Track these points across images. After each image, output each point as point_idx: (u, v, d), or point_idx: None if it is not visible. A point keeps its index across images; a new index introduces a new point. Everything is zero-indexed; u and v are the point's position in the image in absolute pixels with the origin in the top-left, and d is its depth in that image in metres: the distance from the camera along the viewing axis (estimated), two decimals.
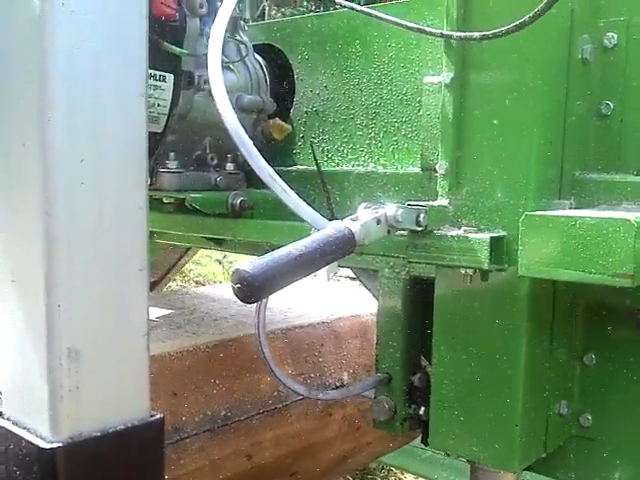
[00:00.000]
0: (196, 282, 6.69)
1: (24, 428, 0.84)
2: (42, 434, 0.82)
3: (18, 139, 0.80)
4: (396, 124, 1.52)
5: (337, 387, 1.86)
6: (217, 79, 1.04)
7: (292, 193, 1.08)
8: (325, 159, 1.64)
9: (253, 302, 0.88)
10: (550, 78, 1.12)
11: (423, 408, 1.46)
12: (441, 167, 1.18)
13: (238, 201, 1.48)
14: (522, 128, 1.11)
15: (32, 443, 0.81)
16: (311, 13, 1.65)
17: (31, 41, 0.77)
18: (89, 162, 0.80)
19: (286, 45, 1.70)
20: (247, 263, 0.89)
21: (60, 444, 0.81)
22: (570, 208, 1.15)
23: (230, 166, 1.59)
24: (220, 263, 7.41)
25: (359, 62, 1.57)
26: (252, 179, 1.69)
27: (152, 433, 0.89)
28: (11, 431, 0.85)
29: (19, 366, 0.84)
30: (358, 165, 1.58)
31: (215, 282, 6.67)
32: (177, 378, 1.51)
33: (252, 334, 1.75)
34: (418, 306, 1.45)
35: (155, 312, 1.94)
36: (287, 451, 1.77)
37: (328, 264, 0.99)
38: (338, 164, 1.61)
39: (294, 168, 1.66)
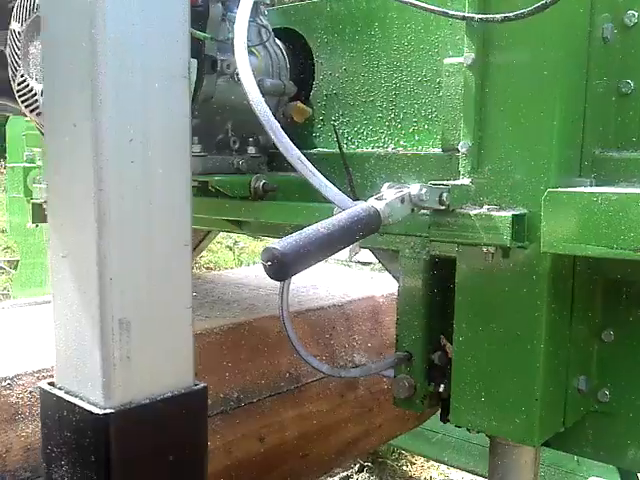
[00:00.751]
0: (207, 268, 6.73)
1: (77, 396, 0.88)
2: (95, 401, 0.85)
3: (69, 120, 0.83)
4: (416, 105, 1.53)
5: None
6: (244, 64, 1.07)
7: (320, 175, 1.10)
8: (345, 141, 1.65)
9: (283, 279, 0.91)
10: (571, 57, 1.14)
11: (443, 386, 1.48)
12: (463, 147, 1.19)
13: (261, 184, 1.50)
14: (543, 107, 1.12)
15: (86, 410, 0.85)
16: None
17: (82, 27, 0.80)
18: (138, 142, 0.83)
19: (305, 29, 1.72)
20: (277, 241, 0.91)
21: (112, 410, 0.85)
22: (590, 186, 1.17)
23: (252, 149, 1.62)
24: (231, 249, 7.44)
25: (378, 44, 1.58)
26: (273, 162, 1.71)
27: (196, 401, 0.93)
28: (65, 399, 0.89)
29: (72, 338, 0.87)
30: (378, 147, 1.60)
31: (226, 268, 6.71)
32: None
33: (264, 317, 1.77)
34: (438, 285, 1.47)
35: None
36: (299, 433, 1.78)
37: (354, 242, 1.01)
38: (358, 146, 1.63)
39: (315, 150, 1.68)
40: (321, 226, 0.96)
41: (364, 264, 7.74)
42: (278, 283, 2.16)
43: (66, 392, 0.90)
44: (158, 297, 0.89)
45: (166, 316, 0.90)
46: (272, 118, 1.06)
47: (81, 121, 0.81)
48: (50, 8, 0.85)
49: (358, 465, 3.27)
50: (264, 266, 0.91)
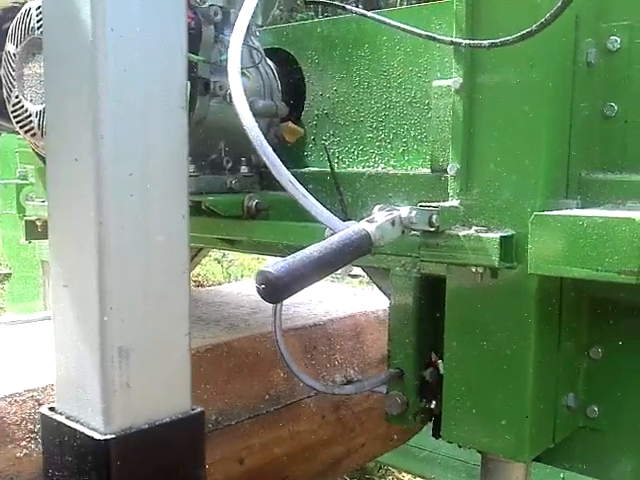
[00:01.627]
0: (195, 282, 6.71)
1: (77, 422, 0.90)
2: (95, 427, 0.87)
3: (70, 155, 0.85)
4: (405, 126, 1.56)
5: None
6: (237, 87, 1.09)
7: (310, 197, 1.12)
8: (336, 160, 1.67)
9: (277, 302, 0.93)
10: (556, 81, 1.16)
11: (434, 402, 1.50)
12: (452, 169, 1.22)
13: (254, 203, 1.52)
14: (530, 130, 1.15)
15: (87, 435, 0.87)
16: (320, 18, 1.68)
17: (84, 64, 0.83)
18: (137, 175, 0.86)
19: (296, 49, 1.74)
20: (271, 265, 0.93)
21: (113, 436, 0.87)
22: (577, 207, 1.20)
23: (244, 169, 1.64)
24: (219, 262, 7.43)
25: (368, 66, 1.61)
26: (265, 181, 1.73)
27: (194, 425, 0.96)
28: (65, 424, 0.91)
29: (72, 364, 0.89)
30: (368, 166, 1.62)
31: (214, 282, 6.68)
32: None
33: (243, 337, 1.74)
34: (429, 303, 1.49)
35: None
36: (279, 454, 1.76)
37: (347, 264, 1.04)
38: (349, 165, 1.65)
39: (306, 170, 1.70)
40: (314, 249, 0.98)
41: (353, 277, 7.78)
42: (259, 301, 2.16)
43: (67, 417, 0.92)
44: (157, 325, 0.91)
45: (164, 343, 0.92)
46: (265, 142, 1.09)
47: (82, 156, 0.84)
48: (52, 47, 0.88)
49: None
50: (258, 289, 0.93)
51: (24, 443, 1.20)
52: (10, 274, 7.40)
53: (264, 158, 1.09)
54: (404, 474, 3.31)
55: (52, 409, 0.97)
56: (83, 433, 0.87)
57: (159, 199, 0.89)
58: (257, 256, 8.63)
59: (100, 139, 0.82)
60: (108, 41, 0.80)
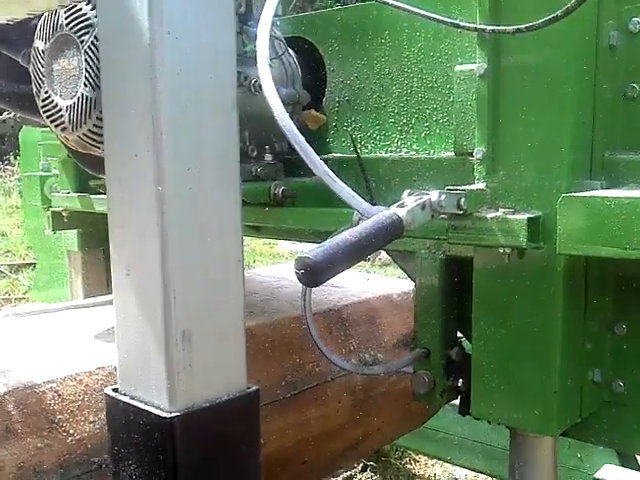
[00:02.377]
0: None
1: (142, 401, 0.95)
2: (161, 406, 0.93)
3: (130, 151, 0.90)
4: (427, 111, 1.58)
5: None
6: (267, 79, 1.11)
7: (341, 183, 1.15)
8: (358, 146, 1.70)
9: (315, 286, 0.97)
10: (579, 64, 1.19)
11: (461, 380, 1.54)
12: (478, 153, 1.24)
13: (280, 190, 1.55)
14: (554, 113, 1.17)
15: (153, 413, 0.92)
16: (339, 5, 1.71)
17: (142, 66, 0.87)
18: (194, 169, 0.90)
19: (317, 37, 1.76)
20: (309, 250, 0.97)
21: (178, 414, 0.92)
22: (601, 188, 1.22)
23: (269, 157, 1.67)
24: None
25: (389, 52, 1.63)
26: (289, 169, 1.76)
27: (250, 403, 1.02)
28: (131, 404, 0.96)
29: (136, 348, 0.95)
30: (391, 152, 1.65)
31: None
32: None
33: (258, 324, 1.76)
34: (454, 284, 1.53)
35: None
36: (297, 440, 1.78)
37: (379, 249, 1.07)
38: (371, 151, 1.68)
39: (329, 156, 1.73)
40: (349, 234, 1.01)
41: (364, 259, 7.80)
42: (273, 289, 2.18)
43: (131, 398, 0.97)
44: (215, 309, 0.96)
45: (222, 326, 0.98)
46: (296, 130, 1.12)
47: (143, 152, 0.88)
48: (109, 49, 0.91)
49: (362, 464, 3.28)
50: (297, 274, 0.96)
51: (45, 433, 1.28)
52: (26, 264, 7.47)
53: (296, 146, 1.12)
54: (420, 456, 3.36)
55: (115, 390, 1.02)
56: (149, 412, 0.93)
57: (214, 192, 0.94)
58: (269, 241, 8.67)
59: (160, 136, 0.86)
60: (165, 44, 0.85)
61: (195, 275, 0.93)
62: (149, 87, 0.86)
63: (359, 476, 3.24)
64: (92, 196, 2.18)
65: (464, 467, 3.03)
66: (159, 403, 0.92)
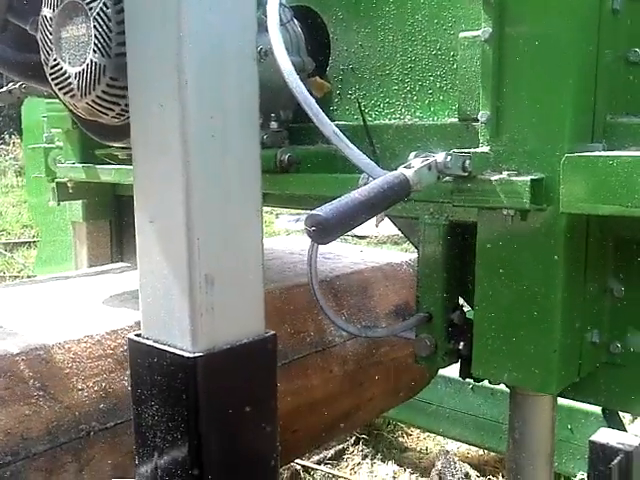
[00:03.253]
0: None
1: (166, 344, 0.99)
2: (184, 347, 0.96)
3: (155, 101, 0.93)
4: (431, 78, 1.60)
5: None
6: (279, 45, 1.13)
7: (353, 147, 1.18)
8: (360, 114, 1.72)
9: (326, 243, 0.99)
10: (583, 29, 1.21)
11: (462, 343, 1.57)
12: (482, 116, 1.27)
13: (286, 157, 1.57)
14: (557, 77, 1.20)
15: (176, 354, 0.96)
16: None
17: (168, 18, 0.89)
18: (217, 118, 0.93)
19: (320, 5, 1.77)
20: (319, 208, 0.99)
21: (200, 354, 0.96)
22: (603, 150, 1.24)
23: (274, 125, 1.69)
24: None
25: (393, 20, 1.64)
26: (293, 137, 1.78)
27: (268, 346, 1.06)
28: (155, 347, 1.00)
29: (159, 293, 0.98)
30: (394, 119, 1.66)
31: None
32: None
33: None
34: (457, 249, 1.56)
35: None
36: (288, 408, 1.78)
37: (387, 208, 1.09)
38: (375, 118, 1.70)
39: (333, 123, 1.74)
40: (358, 193, 1.04)
41: (360, 237, 7.86)
42: (266, 260, 2.19)
43: (154, 341, 1.01)
44: (235, 255, 1.00)
45: (242, 272, 1.01)
46: (309, 96, 1.14)
47: (167, 101, 0.91)
48: (136, 4, 0.93)
49: (354, 437, 3.30)
50: (308, 231, 0.99)
51: (33, 401, 1.29)
52: (22, 243, 7.50)
53: (308, 110, 1.15)
54: (412, 429, 3.40)
55: (138, 335, 1.06)
56: (173, 353, 0.96)
57: (236, 140, 0.97)
58: (266, 219, 8.70)
59: (185, 84, 0.89)
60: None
61: (217, 222, 0.96)
62: (174, 38, 0.88)
63: (351, 449, 3.27)
64: (97, 166, 2.19)
65: (456, 440, 3.08)
66: (182, 345, 0.96)
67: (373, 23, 1.68)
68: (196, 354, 0.95)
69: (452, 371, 2.89)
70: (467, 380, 2.86)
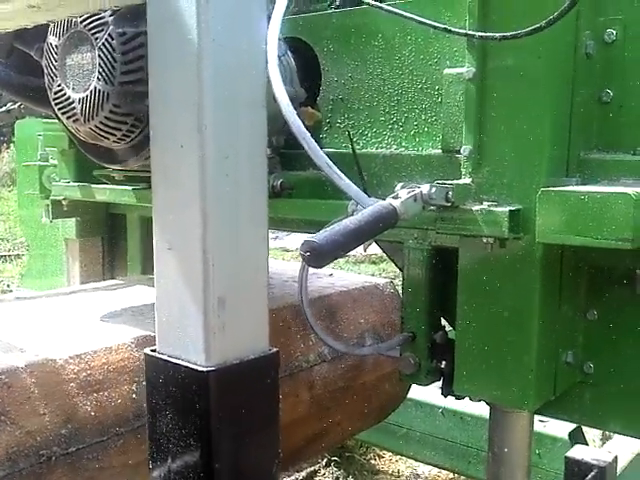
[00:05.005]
0: None
1: (180, 359, 1.09)
2: (198, 362, 1.06)
3: (176, 142, 1.02)
4: (417, 110, 1.68)
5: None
6: (276, 77, 1.21)
7: (343, 176, 1.26)
8: (350, 143, 1.80)
9: (320, 267, 1.07)
10: (559, 71, 1.30)
11: (444, 362, 1.65)
12: (465, 150, 1.36)
13: (279, 182, 1.65)
14: (535, 115, 1.29)
15: (191, 368, 1.06)
16: (335, 8, 1.80)
17: (190, 69, 0.99)
18: (231, 159, 1.04)
19: (312, 38, 1.86)
20: (314, 235, 1.07)
21: (213, 368, 1.06)
22: (576, 184, 1.34)
23: (267, 151, 1.76)
24: None
25: (381, 54, 1.73)
26: (285, 163, 1.86)
27: (272, 362, 1.16)
28: (170, 361, 1.10)
29: (175, 313, 1.08)
30: (381, 148, 1.75)
31: None
32: (141, 365, 1.49)
33: None
34: (439, 272, 1.64)
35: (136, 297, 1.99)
36: None
37: (376, 235, 1.17)
38: (363, 147, 1.78)
39: (323, 151, 1.82)
40: (349, 222, 1.12)
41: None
42: None
43: (169, 356, 1.11)
44: (244, 279, 1.10)
45: (249, 294, 1.12)
46: (302, 126, 1.22)
47: (187, 142, 1.01)
48: (158, 52, 1.03)
49: (325, 460, 3.30)
50: (303, 256, 1.07)
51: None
52: (4, 256, 7.44)
53: (301, 140, 1.22)
54: (384, 452, 3.40)
55: (153, 350, 1.15)
56: (187, 367, 1.06)
57: (247, 179, 1.08)
58: None
59: (204, 129, 0.99)
60: (210, 50, 0.97)
61: (229, 250, 1.07)
62: (195, 85, 0.99)
63: (323, 471, 3.27)
64: (93, 185, 2.26)
65: (427, 463, 3.09)
66: (196, 359, 1.06)
67: (362, 56, 1.77)
68: (209, 368, 1.05)
69: (423, 395, 2.96)
70: (437, 404, 2.93)
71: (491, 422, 1.52)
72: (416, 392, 2.93)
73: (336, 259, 1.09)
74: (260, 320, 1.13)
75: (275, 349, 1.16)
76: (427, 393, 3.05)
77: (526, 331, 1.35)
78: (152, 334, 1.54)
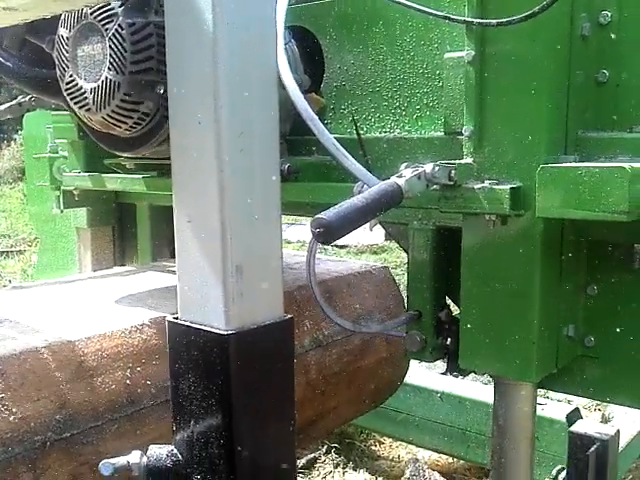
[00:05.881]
0: None
1: (202, 324, 1.16)
2: (218, 326, 1.14)
3: (194, 119, 1.09)
4: (418, 94, 1.73)
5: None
6: (284, 65, 1.26)
7: (351, 158, 1.31)
8: (354, 128, 1.85)
9: (329, 243, 1.12)
10: (555, 53, 1.34)
11: (449, 339, 1.71)
12: (466, 131, 1.40)
13: (286, 167, 1.70)
14: (533, 95, 1.33)
15: (212, 332, 1.13)
16: None
17: (206, 53, 1.05)
18: (245, 135, 1.10)
19: (315, 26, 1.90)
20: (323, 212, 1.12)
21: (233, 331, 1.13)
22: (575, 162, 1.38)
23: None
24: None
25: (383, 41, 1.78)
26: (291, 148, 1.91)
27: (286, 328, 1.23)
28: (192, 327, 1.17)
29: (197, 282, 1.15)
30: (384, 132, 1.80)
31: None
32: (135, 351, 1.57)
33: None
34: (443, 252, 1.69)
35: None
36: None
37: (382, 213, 1.22)
38: (366, 132, 1.83)
39: None
40: (357, 199, 1.16)
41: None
42: None
43: (191, 322, 1.18)
44: (260, 249, 1.16)
45: (265, 263, 1.18)
46: (312, 112, 1.27)
47: (205, 119, 1.08)
48: (174, 36, 1.09)
49: (325, 447, 3.30)
50: (313, 232, 1.12)
51: None
52: (5, 252, 7.46)
53: (311, 124, 1.27)
54: (385, 438, 3.41)
55: (176, 318, 1.21)
56: (208, 332, 1.14)
57: (259, 154, 1.13)
58: None
59: (220, 106, 1.06)
60: (225, 32, 1.03)
61: (245, 221, 1.13)
62: (211, 68, 1.05)
63: (323, 458, 3.27)
64: (103, 175, 2.31)
65: (425, 448, 3.12)
66: (217, 324, 1.13)
67: (364, 43, 1.81)
68: (229, 332, 1.13)
69: (421, 380, 2.99)
70: (436, 389, 2.95)
71: (495, 396, 1.57)
72: (414, 377, 2.96)
73: (344, 236, 1.14)
74: (275, 288, 1.19)
75: (290, 316, 1.23)
76: (425, 378, 3.10)
77: (528, 305, 1.40)
78: (147, 321, 1.62)
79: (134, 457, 1.21)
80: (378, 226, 1.76)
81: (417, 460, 3.01)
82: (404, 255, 1.78)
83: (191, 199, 1.12)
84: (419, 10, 1.42)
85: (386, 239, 8.04)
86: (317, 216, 1.11)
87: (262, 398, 1.18)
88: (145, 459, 1.18)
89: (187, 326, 1.17)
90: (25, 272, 6.74)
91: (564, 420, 2.72)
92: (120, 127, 1.60)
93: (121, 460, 1.18)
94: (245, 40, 1.07)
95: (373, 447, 3.41)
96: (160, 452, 1.20)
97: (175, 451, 1.21)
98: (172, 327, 1.20)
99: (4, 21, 1.15)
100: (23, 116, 2.91)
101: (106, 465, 1.17)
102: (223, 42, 1.03)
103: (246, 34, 1.07)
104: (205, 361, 1.13)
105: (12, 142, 14.78)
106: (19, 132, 14.77)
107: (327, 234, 1.10)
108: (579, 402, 3.30)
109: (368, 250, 7.99)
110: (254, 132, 1.11)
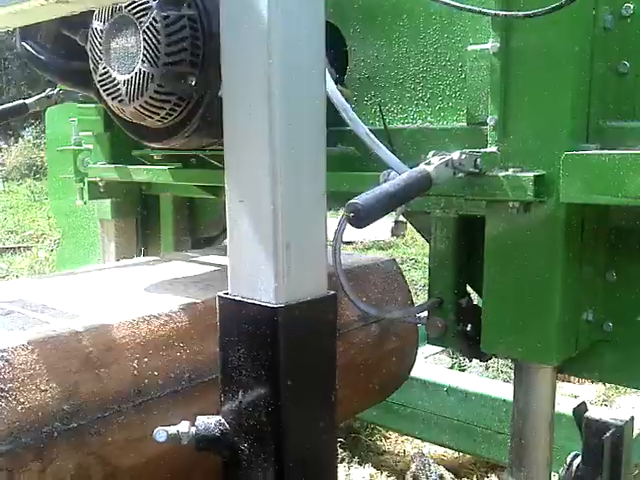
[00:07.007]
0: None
1: (252, 299, 1.22)
2: (268, 300, 1.20)
3: (247, 107, 1.16)
4: (441, 86, 1.77)
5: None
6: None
7: (383, 146, 1.35)
8: (377, 118, 1.89)
9: (363, 227, 1.16)
10: (579, 45, 1.38)
11: (470, 325, 1.75)
12: (491, 120, 1.44)
13: None
14: (557, 85, 1.37)
15: (262, 306, 1.20)
16: None
17: (261, 39, 1.11)
18: (294, 125, 1.17)
19: (339, 20, 1.94)
20: (357, 197, 1.17)
21: (282, 305, 1.19)
22: (596, 150, 1.42)
23: None
24: None
25: (406, 33, 1.82)
26: None
27: (330, 303, 1.29)
28: (243, 301, 1.23)
29: (248, 258, 1.22)
30: (407, 123, 1.84)
31: None
32: (143, 342, 1.56)
33: (211, 298, 1.59)
34: (464, 240, 1.74)
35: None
36: None
37: (412, 199, 1.27)
38: (390, 123, 1.87)
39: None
40: (389, 186, 1.21)
41: (347, 243, 8.06)
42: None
43: (242, 297, 1.24)
44: (307, 229, 1.23)
45: (311, 242, 1.24)
46: (346, 103, 1.31)
47: (257, 107, 1.14)
48: (230, 27, 1.16)
49: None
50: (347, 217, 1.16)
51: None
52: (5, 249, 7.49)
53: (344, 114, 1.32)
54: (390, 433, 3.40)
55: (226, 294, 1.27)
56: (259, 305, 1.20)
57: (307, 142, 1.21)
58: None
59: (273, 94, 1.12)
60: (279, 25, 1.10)
61: (294, 202, 1.19)
62: (265, 56, 1.11)
63: None
64: (129, 166, 2.36)
65: (431, 442, 3.11)
66: (267, 299, 1.20)
67: (388, 36, 1.86)
68: (278, 305, 1.19)
69: (427, 374, 3.00)
70: (442, 383, 2.96)
71: (515, 380, 1.61)
72: (421, 371, 2.96)
73: (376, 220, 1.19)
74: (320, 265, 1.26)
75: (333, 292, 1.29)
76: (432, 372, 3.11)
77: (550, 290, 1.44)
78: (154, 313, 1.60)
79: (183, 427, 1.26)
80: (383, 222, 1.80)
81: (423, 454, 3.00)
82: (410, 251, 1.83)
83: (243, 179, 1.18)
84: (445, 3, 1.46)
85: (392, 235, 8.08)
86: (351, 201, 1.15)
87: (307, 369, 1.23)
88: (194, 429, 1.24)
89: (237, 301, 1.23)
90: (32, 268, 6.76)
91: (570, 414, 2.76)
92: (152, 118, 1.65)
93: (171, 429, 1.24)
94: (297, 28, 1.13)
95: (378, 442, 3.41)
96: (208, 422, 1.26)
97: (223, 421, 1.26)
98: (223, 302, 1.26)
99: (57, 13, 1.20)
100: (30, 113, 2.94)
101: (160, 432, 1.23)
102: (277, 31, 1.08)
103: (299, 22, 1.13)
104: (255, 333, 1.19)
105: (20, 139, 14.86)
106: (26, 129, 14.89)
107: (360, 219, 1.15)
108: (585, 397, 3.31)
109: (374, 246, 8.01)
110: (302, 122, 1.17)
